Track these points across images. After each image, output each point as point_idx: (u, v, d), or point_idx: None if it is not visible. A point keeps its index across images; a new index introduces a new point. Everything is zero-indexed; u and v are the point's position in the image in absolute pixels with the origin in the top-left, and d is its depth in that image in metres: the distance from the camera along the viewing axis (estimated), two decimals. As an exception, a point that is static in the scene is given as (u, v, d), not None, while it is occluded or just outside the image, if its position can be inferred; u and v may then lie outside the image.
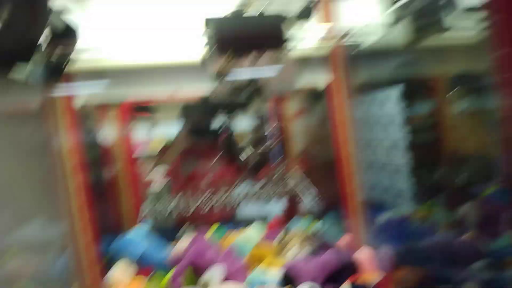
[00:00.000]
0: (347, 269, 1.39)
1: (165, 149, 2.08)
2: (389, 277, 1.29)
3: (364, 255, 1.46)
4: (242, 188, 1.45)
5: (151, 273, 1.73)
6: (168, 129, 2.23)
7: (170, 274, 1.51)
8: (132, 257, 1.71)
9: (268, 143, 1.13)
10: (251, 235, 1.81)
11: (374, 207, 2.55)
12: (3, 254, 1.69)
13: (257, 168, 1.19)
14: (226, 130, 1.57)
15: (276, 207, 2.37)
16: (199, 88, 1.43)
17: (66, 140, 1.29)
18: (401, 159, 2.46)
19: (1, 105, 1.44)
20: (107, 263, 1.79)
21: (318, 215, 2.32)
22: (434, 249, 1.56)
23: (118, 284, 1.61)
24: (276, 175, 1.19)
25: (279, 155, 1.10)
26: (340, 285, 1.32)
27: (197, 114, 1.74)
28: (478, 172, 2.21)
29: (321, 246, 1.51)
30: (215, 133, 1.92)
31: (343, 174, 1.50)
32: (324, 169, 2.50)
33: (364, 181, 2.01)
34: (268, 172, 1.34)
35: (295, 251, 1.43)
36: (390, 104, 2.53)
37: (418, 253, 1.54)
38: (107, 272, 1.63)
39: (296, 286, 1.28)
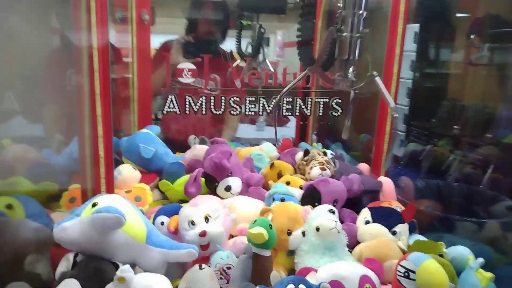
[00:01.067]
0: (370, 193, 1.35)
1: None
2: (411, 207, 1.25)
3: (385, 183, 1.43)
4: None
5: (156, 179, 1.67)
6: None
7: (183, 180, 1.45)
8: (139, 159, 1.63)
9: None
10: (265, 150, 1.74)
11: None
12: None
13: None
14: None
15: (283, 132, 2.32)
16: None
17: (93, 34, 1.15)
18: (403, 100, 2.45)
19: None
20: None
21: (327, 144, 2.30)
22: (455, 186, 1.55)
23: (124, 185, 1.54)
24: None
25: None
26: (361, 209, 1.29)
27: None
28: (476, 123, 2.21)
29: (343, 168, 1.46)
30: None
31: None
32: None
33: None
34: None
35: (318, 171, 1.37)
36: (407, 41, 2.45)
37: (439, 190, 1.52)
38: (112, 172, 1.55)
39: (318, 204, 1.24)
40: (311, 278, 0.89)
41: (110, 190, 1.33)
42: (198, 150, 1.63)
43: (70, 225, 0.90)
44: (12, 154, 1.55)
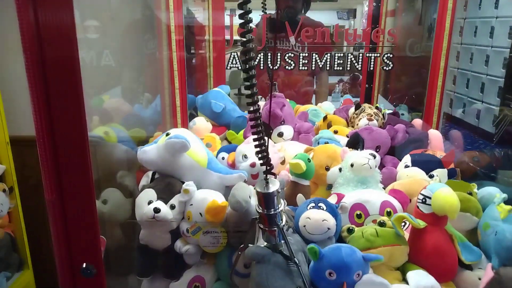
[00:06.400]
0: (415, 142, 1.43)
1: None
2: (451, 154, 1.31)
3: (432, 135, 1.49)
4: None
5: (225, 131, 1.91)
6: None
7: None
8: (210, 113, 1.88)
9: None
10: (323, 108, 1.88)
11: (454, 119, 2.44)
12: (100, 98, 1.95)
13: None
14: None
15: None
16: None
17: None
18: (499, 72, 2.17)
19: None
20: (189, 116, 2.00)
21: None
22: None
23: (197, 134, 1.80)
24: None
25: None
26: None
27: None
28: None
29: (392, 121, 1.55)
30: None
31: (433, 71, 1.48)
32: (412, 65, 2.43)
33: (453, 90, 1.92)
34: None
35: (365, 122, 1.48)
36: (506, 6, 2.14)
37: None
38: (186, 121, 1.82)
39: (362, 149, 1.36)
40: (331, 200, 1.04)
41: (185, 135, 1.61)
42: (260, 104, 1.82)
43: (150, 149, 1.17)
44: (111, 106, 1.90)
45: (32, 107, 0.78)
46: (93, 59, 1.61)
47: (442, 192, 0.95)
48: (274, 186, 0.84)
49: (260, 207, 0.84)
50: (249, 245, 0.91)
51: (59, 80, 0.76)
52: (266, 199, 0.83)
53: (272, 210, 0.83)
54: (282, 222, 0.85)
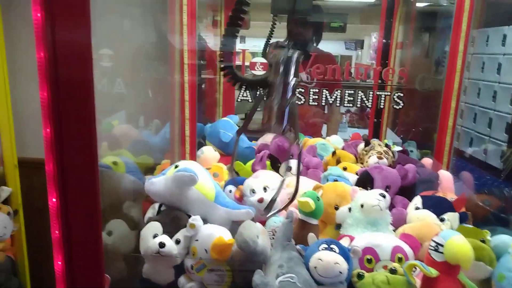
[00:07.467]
0: (425, 183, 1.41)
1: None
2: (462, 197, 1.29)
3: (443, 176, 1.47)
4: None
5: (232, 161, 1.90)
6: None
7: (252, 162, 1.65)
8: (219, 143, 1.88)
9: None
10: (332, 142, 1.87)
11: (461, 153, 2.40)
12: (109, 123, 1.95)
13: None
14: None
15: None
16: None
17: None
18: (507, 108, 2.19)
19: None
20: (197, 145, 1.99)
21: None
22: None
23: (205, 163, 1.79)
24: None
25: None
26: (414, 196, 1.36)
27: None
28: None
29: (402, 159, 1.53)
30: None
31: (444, 108, 1.49)
32: (420, 99, 2.43)
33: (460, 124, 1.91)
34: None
35: (375, 160, 1.47)
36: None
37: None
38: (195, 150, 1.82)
39: (371, 189, 1.34)
40: (344, 242, 1.02)
41: (192, 164, 1.60)
42: (268, 137, 1.82)
43: (157, 181, 1.16)
44: (120, 132, 1.90)
45: (43, 130, 0.77)
46: (104, 84, 1.63)
47: (455, 240, 0.93)
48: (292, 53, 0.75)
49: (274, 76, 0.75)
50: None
51: (72, 102, 0.74)
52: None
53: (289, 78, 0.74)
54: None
